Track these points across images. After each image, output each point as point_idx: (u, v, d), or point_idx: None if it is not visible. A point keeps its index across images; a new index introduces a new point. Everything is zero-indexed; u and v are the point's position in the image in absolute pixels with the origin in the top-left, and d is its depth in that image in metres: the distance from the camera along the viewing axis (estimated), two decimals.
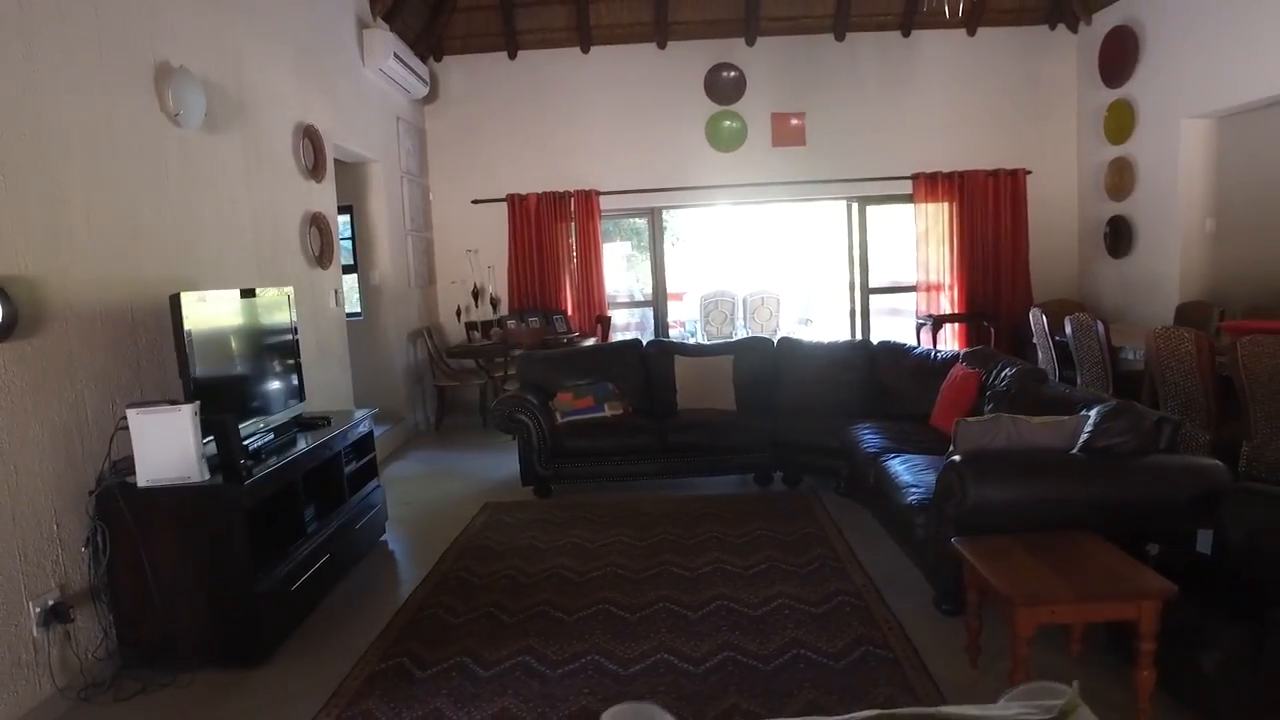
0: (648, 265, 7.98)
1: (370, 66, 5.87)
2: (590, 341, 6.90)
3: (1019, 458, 2.89)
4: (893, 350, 5.04)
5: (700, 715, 2.47)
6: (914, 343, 6.67)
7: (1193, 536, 2.91)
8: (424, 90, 6.82)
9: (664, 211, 7.86)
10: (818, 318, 10.66)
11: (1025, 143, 7.41)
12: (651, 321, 10.15)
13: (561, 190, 7.43)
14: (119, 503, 2.82)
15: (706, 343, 5.49)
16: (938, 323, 7.24)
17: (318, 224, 4.92)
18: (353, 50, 5.70)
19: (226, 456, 2.98)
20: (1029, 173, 7.37)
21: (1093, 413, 3.02)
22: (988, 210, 7.37)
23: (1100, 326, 4.64)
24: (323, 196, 5.05)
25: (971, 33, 7.32)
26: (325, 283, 5.04)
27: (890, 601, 3.21)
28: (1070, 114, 7.42)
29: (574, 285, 7.56)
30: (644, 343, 5.51)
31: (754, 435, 4.76)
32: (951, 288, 7.52)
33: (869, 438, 4.16)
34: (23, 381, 2.62)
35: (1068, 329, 4.99)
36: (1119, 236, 6.85)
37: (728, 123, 7.47)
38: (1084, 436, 2.97)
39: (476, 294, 7.26)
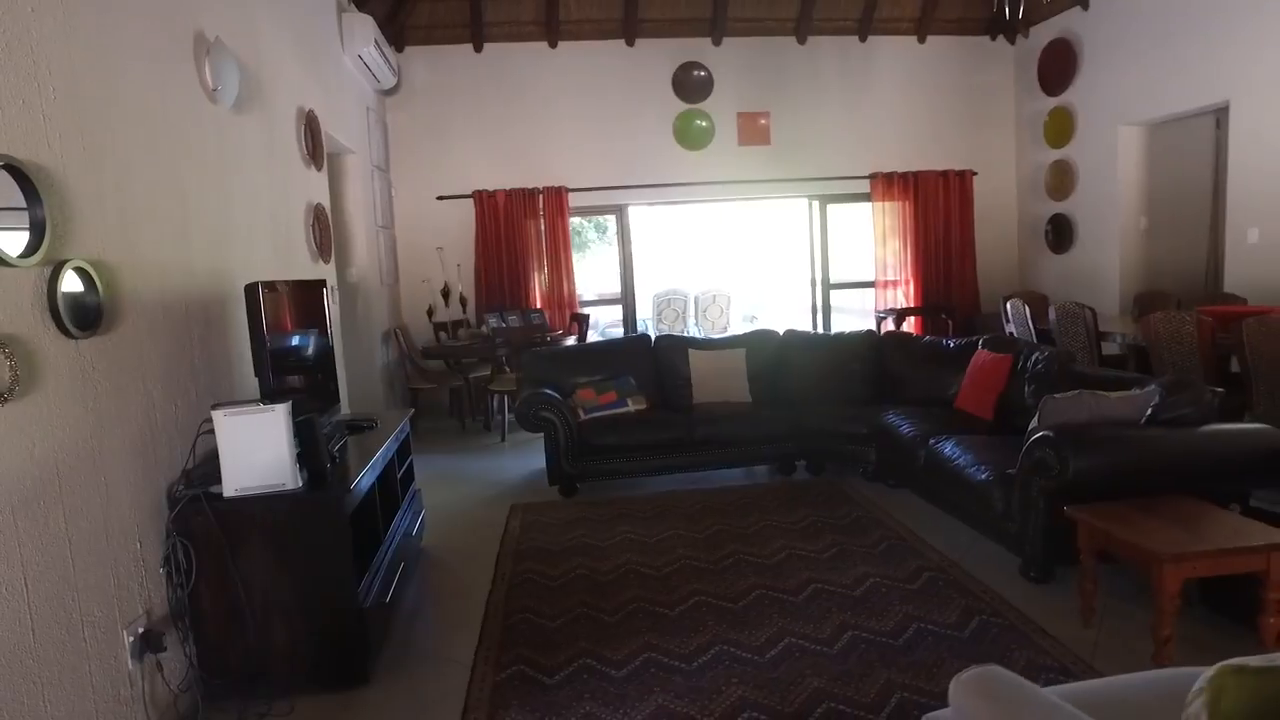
0: (595, 264, 7.86)
1: (349, 52, 5.55)
2: (571, 340, 6.79)
3: (1107, 430, 3.08)
4: (901, 340, 5.24)
5: (863, 692, 2.49)
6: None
7: (1247, 495, 3.19)
8: (393, 80, 6.51)
9: (628, 209, 7.82)
10: (763, 315, 10.91)
11: (971, 145, 7.87)
12: (602, 320, 10.10)
13: (530, 187, 7.27)
14: (204, 515, 2.54)
15: (715, 336, 5.52)
16: (900, 316, 7.56)
17: (318, 215, 4.60)
18: (333, 34, 5.37)
19: (314, 460, 2.74)
20: (975, 174, 7.83)
21: (1154, 387, 3.25)
22: (939, 209, 7.78)
23: (1089, 314, 4.99)
24: (321, 186, 4.73)
25: (922, 40, 7.71)
26: (325, 279, 4.71)
27: (974, 573, 3.34)
28: (1009, 119, 7.95)
29: (544, 283, 7.42)
30: (653, 337, 5.48)
31: (779, 425, 4.82)
32: (907, 283, 7.88)
33: (905, 423, 4.31)
34: (108, 382, 2.32)
35: (1051, 316, 5.34)
36: (1060, 233, 7.39)
37: (696, 121, 7.54)
38: (1150, 409, 3.20)
39: (446, 293, 6.99)
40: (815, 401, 5.00)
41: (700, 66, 7.48)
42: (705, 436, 4.78)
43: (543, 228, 7.38)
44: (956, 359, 4.75)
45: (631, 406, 4.92)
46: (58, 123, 2.15)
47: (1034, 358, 4.08)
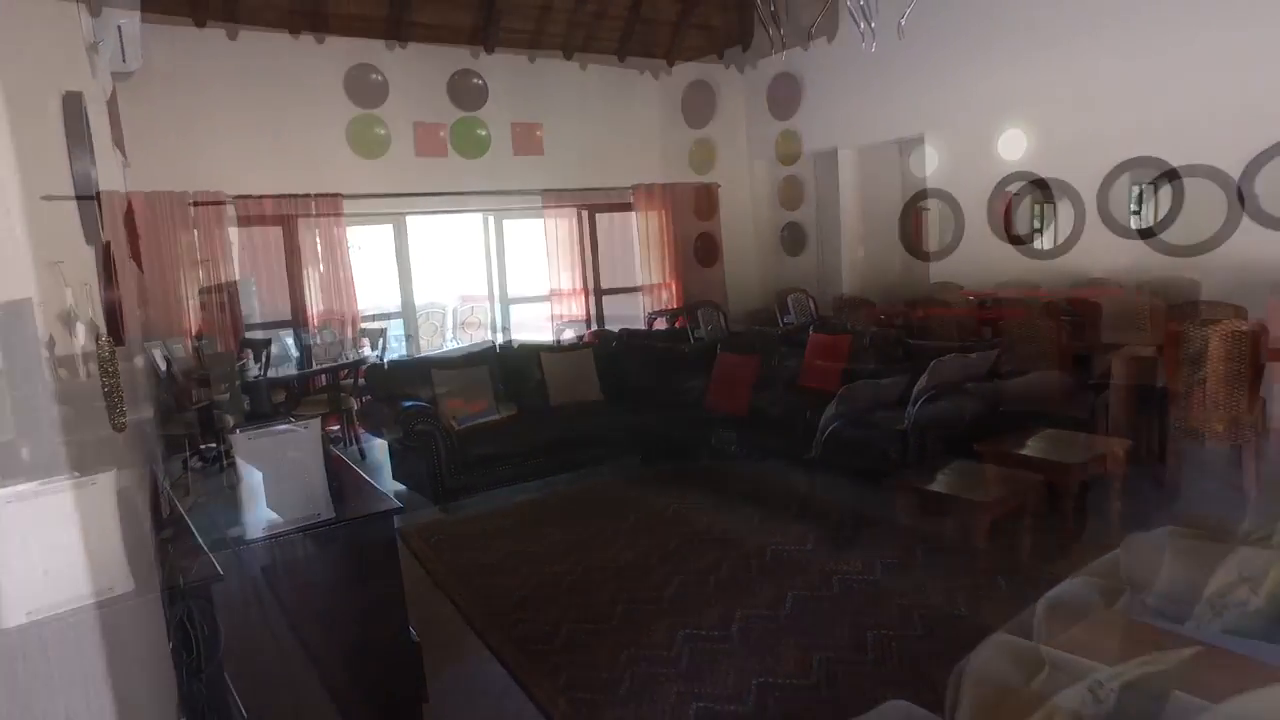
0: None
1: None
2: (372, 357, 6.30)
3: (987, 384, 3.86)
4: (730, 335, 5.78)
5: (885, 620, 2.86)
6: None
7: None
8: None
9: (407, 218, 7.43)
10: (514, 326, 10.90)
11: (716, 161, 8.83)
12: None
13: (302, 194, 6.56)
14: (230, 569, 2.07)
15: (563, 340, 5.56)
16: (674, 316, 8.20)
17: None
18: None
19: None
20: (720, 186, 8.81)
21: (993, 351, 4.15)
22: (692, 218, 8.61)
23: (869, 304, 6.01)
24: None
25: (671, 64, 8.48)
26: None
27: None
28: (743, 139, 9.07)
29: (325, 297, 6.74)
30: (498, 345, 5.36)
31: (645, 417, 5.04)
32: (668, 286, 8.59)
33: (774, 406, 4.81)
34: None
35: (834, 308, 6.32)
36: (794, 239, 8.65)
37: (474, 130, 7.42)
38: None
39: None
40: (656, 392, 5.31)
41: (474, 74, 7.39)
42: (580, 435, 4.83)
43: (317, 238, 6.70)
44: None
45: (502, 413, 4.79)
46: None
47: (869, 335, 4.86)
